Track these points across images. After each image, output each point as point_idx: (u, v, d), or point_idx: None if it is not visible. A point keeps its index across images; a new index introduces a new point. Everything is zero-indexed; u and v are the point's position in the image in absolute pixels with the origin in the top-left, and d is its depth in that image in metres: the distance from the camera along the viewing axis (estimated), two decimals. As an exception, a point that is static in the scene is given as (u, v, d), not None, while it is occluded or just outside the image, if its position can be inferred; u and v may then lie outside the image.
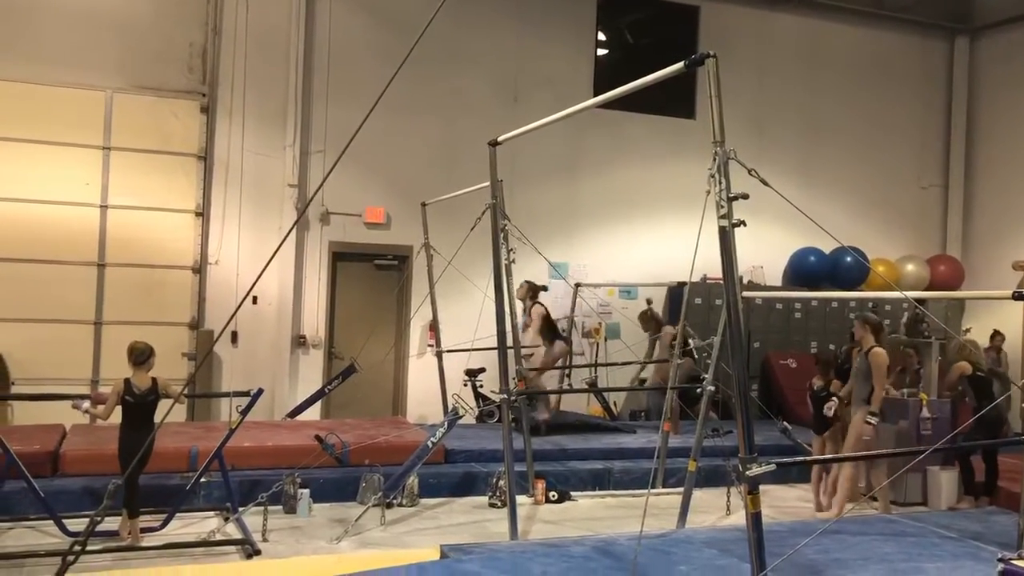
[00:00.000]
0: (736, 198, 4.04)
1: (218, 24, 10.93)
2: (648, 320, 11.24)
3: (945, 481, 8.39)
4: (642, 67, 5.40)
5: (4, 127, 10.14)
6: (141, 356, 6.36)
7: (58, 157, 10.33)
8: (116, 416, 6.41)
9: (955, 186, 14.73)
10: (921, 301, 8.51)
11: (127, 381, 6.31)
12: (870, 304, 11.54)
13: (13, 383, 9.88)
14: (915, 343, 9.21)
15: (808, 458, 7.99)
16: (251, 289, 5.31)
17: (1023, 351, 12.70)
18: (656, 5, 13.16)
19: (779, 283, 13.40)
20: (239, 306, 5.42)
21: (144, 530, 6.54)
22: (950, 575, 4.94)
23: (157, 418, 6.28)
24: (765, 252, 12.69)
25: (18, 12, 10.22)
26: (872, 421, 7.54)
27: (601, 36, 13.01)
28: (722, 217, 4.05)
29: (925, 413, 8.48)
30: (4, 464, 6.41)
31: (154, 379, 6.39)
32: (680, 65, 4.53)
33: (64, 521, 6.41)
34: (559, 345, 10.20)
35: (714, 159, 4.10)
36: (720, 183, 4.06)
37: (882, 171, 14.32)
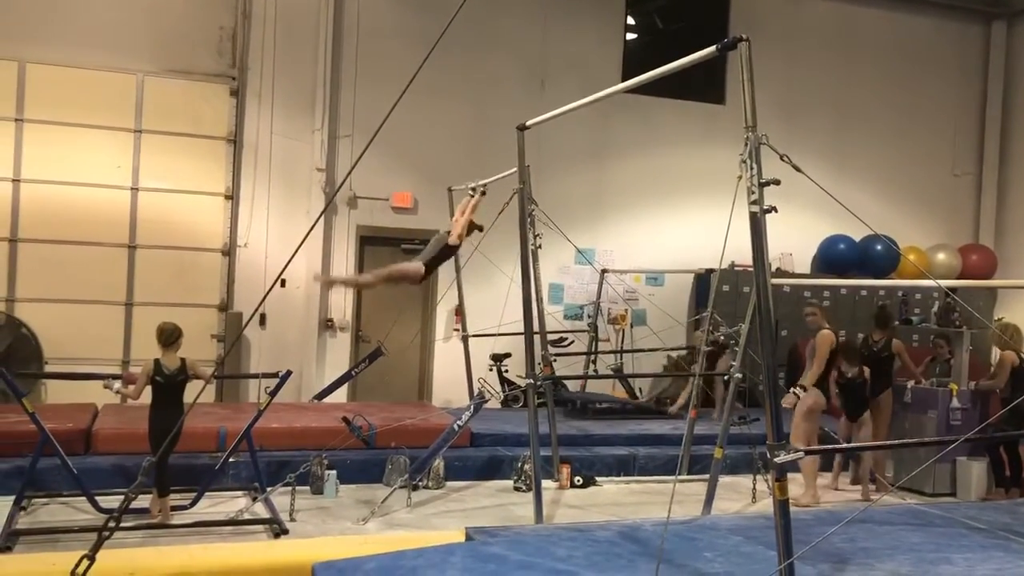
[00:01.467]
0: (768, 184, 3.99)
1: (248, 8, 10.98)
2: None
3: (975, 472, 8.30)
4: (671, 52, 5.36)
5: (37, 110, 10.27)
6: (170, 337, 6.45)
7: (90, 140, 10.45)
8: (146, 396, 6.50)
9: (989, 174, 14.50)
10: (953, 290, 8.40)
11: (156, 362, 6.40)
12: (900, 292, 11.41)
13: (46, 362, 10.05)
14: (946, 333, 9.10)
15: (836, 446, 7.94)
16: (281, 273, 5.33)
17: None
18: (686, -11, 13.04)
19: (808, 271, 13.28)
20: (269, 290, 5.45)
21: (174, 508, 6.64)
22: (979, 566, 4.89)
23: (188, 399, 6.34)
24: (794, 239, 12.57)
25: (51, -4, 10.32)
26: (798, 392, 7.69)
27: (630, 20, 12.91)
28: (753, 203, 4.00)
29: (955, 403, 8.39)
30: (39, 441, 6.51)
31: (183, 359, 6.46)
32: (712, 49, 4.48)
33: (96, 498, 6.53)
34: None
35: (746, 144, 4.05)
36: (751, 168, 4.02)
37: (914, 158, 14.13)
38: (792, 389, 7.63)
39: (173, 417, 6.15)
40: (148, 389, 6.45)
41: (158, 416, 6.38)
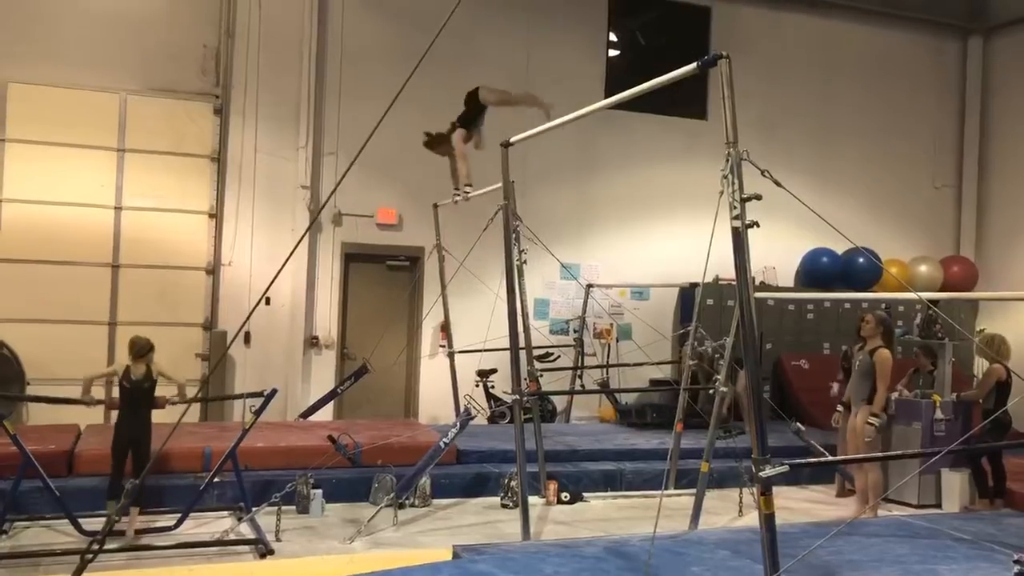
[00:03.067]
0: (749, 199, 4.03)
1: (231, 26, 10.99)
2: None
3: (959, 483, 8.35)
4: (654, 68, 5.40)
5: (19, 129, 10.23)
6: (141, 350, 6.69)
7: (73, 159, 10.41)
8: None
9: (968, 186, 14.65)
10: (935, 302, 8.46)
11: (127, 368, 6.65)
12: (883, 305, 11.49)
13: (28, 383, 9.96)
14: (929, 344, 9.16)
15: (821, 459, 7.93)
16: (266, 291, 5.35)
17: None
18: (667, 6, 13.15)
19: (791, 284, 13.36)
20: (254, 308, 5.45)
21: (158, 529, 6.59)
22: (964, 577, 4.92)
23: (168, 416, 6.36)
24: (777, 253, 12.66)
25: (33, 15, 10.30)
26: (874, 423, 7.52)
27: (612, 37, 13.00)
28: (735, 218, 4.04)
29: (939, 415, 8.44)
30: (20, 464, 6.45)
31: (148, 367, 6.69)
32: (693, 66, 4.52)
33: (79, 520, 6.47)
34: None
35: (727, 160, 4.09)
36: (733, 184, 4.05)
37: (895, 171, 14.27)
38: (869, 421, 7.54)
39: (137, 425, 6.56)
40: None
41: (122, 423, 6.68)
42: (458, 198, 8.40)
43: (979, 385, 8.57)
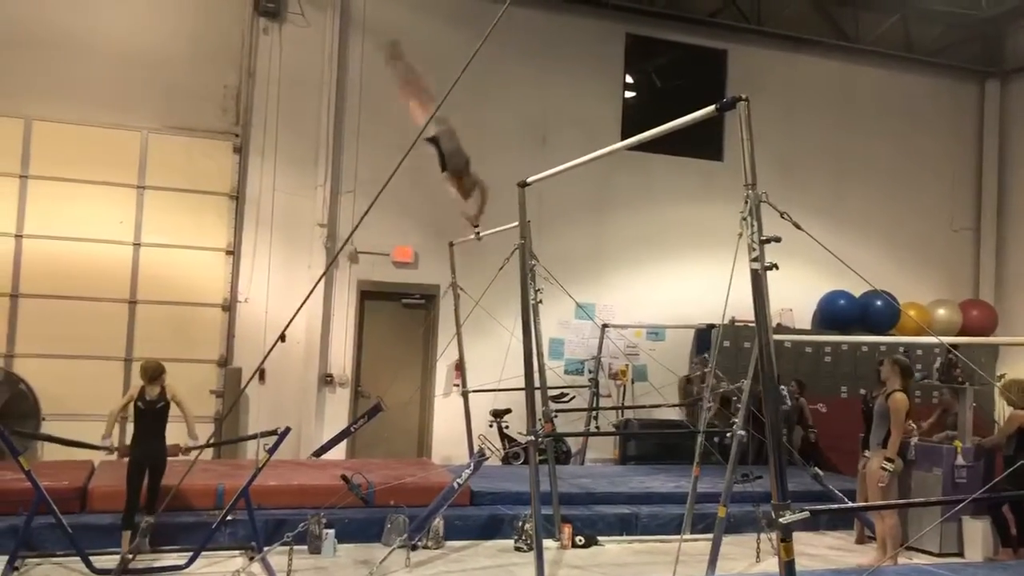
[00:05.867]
0: (768, 241, 4.01)
1: (252, 66, 11.14)
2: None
3: (980, 531, 8.18)
4: (670, 109, 5.42)
5: (41, 166, 10.36)
6: (153, 373, 6.90)
7: (93, 196, 10.52)
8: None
9: (987, 229, 14.57)
10: (955, 346, 8.37)
11: (142, 388, 6.84)
12: (901, 349, 11.38)
13: (44, 418, 9.97)
14: (951, 389, 9.05)
15: (841, 505, 7.82)
16: (284, 330, 5.34)
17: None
18: (684, 48, 13.24)
19: (808, 326, 13.26)
20: (272, 347, 5.44)
21: (170, 568, 6.56)
22: (990, 629, 4.80)
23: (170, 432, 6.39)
24: (794, 295, 12.57)
25: (56, 54, 10.47)
26: (888, 468, 7.40)
27: (629, 79, 13.09)
28: (754, 260, 4.01)
29: (960, 461, 8.31)
30: (34, 500, 6.44)
31: (162, 387, 6.88)
32: (711, 108, 4.53)
33: (91, 558, 6.42)
34: None
35: (746, 202, 4.08)
36: (752, 226, 4.03)
37: (913, 214, 14.21)
38: (883, 466, 7.46)
39: (153, 446, 6.75)
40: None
41: (138, 445, 6.82)
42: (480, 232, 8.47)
43: (1000, 431, 8.44)
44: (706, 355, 11.82)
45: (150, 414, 6.80)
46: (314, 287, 6.66)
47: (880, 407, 7.71)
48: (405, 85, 8.23)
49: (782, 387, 11.14)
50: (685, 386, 11.70)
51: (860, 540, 8.71)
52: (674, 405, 11.39)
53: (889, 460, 7.45)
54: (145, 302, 10.65)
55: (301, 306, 5.33)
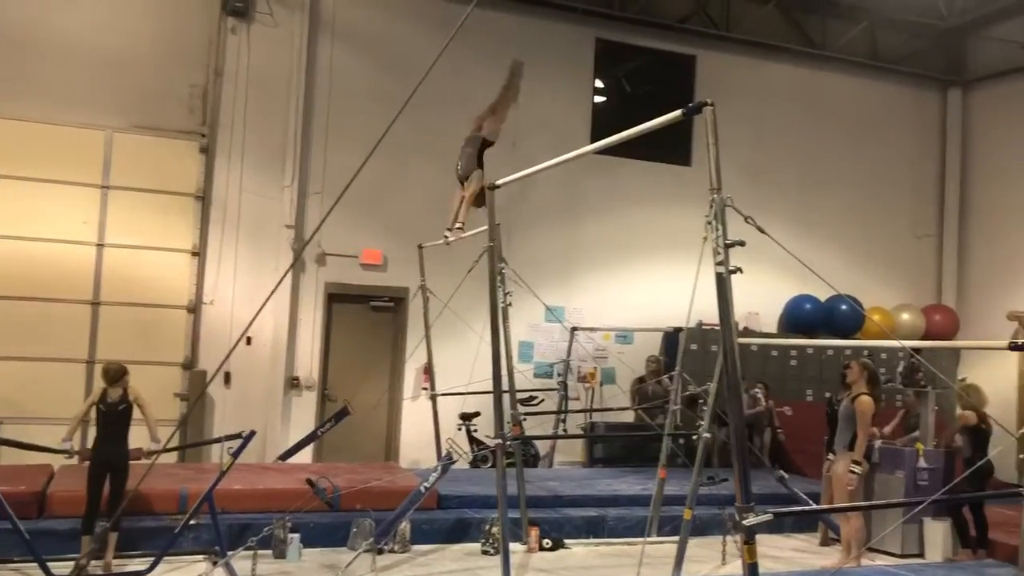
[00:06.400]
0: (733, 245, 4.04)
1: (219, 66, 11.04)
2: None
3: (941, 532, 8.30)
4: (639, 114, 5.45)
5: (3, 165, 10.18)
6: (115, 376, 6.80)
7: (57, 195, 10.35)
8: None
9: (949, 236, 14.80)
10: (917, 350, 8.49)
11: (103, 390, 6.75)
12: (865, 352, 11.52)
13: (2, 422, 9.78)
14: (914, 392, 9.18)
15: (805, 508, 7.89)
16: (246, 330, 5.29)
17: (1018, 401, 12.71)
18: (653, 53, 13.31)
19: (774, 330, 13.39)
20: (234, 347, 5.40)
21: (131, 574, 6.47)
22: (949, 629, 4.87)
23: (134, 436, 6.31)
24: (761, 299, 12.70)
25: (20, 51, 10.31)
26: (856, 470, 7.49)
27: (599, 83, 13.14)
28: (719, 263, 4.05)
29: (922, 463, 8.42)
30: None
31: (124, 389, 6.78)
32: (678, 113, 4.56)
33: (48, 564, 6.31)
34: None
35: (711, 206, 4.11)
36: (717, 230, 4.06)
37: (877, 220, 14.40)
38: (851, 469, 7.54)
39: (114, 449, 6.64)
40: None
41: (99, 447, 6.73)
42: (449, 237, 8.26)
43: (949, 430, 8.60)
44: (659, 355, 11.94)
45: (112, 417, 6.71)
46: (277, 285, 6.56)
47: (846, 410, 7.80)
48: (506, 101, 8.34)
49: (756, 390, 11.27)
50: (639, 386, 11.74)
51: (824, 542, 8.79)
52: (640, 407, 11.42)
53: (856, 463, 7.54)
54: (109, 304, 10.50)
55: (263, 305, 5.27)
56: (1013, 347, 5.39)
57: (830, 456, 8.07)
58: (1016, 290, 13.50)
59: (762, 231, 4.20)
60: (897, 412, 9.94)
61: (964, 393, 8.39)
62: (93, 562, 6.38)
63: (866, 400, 7.66)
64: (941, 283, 14.80)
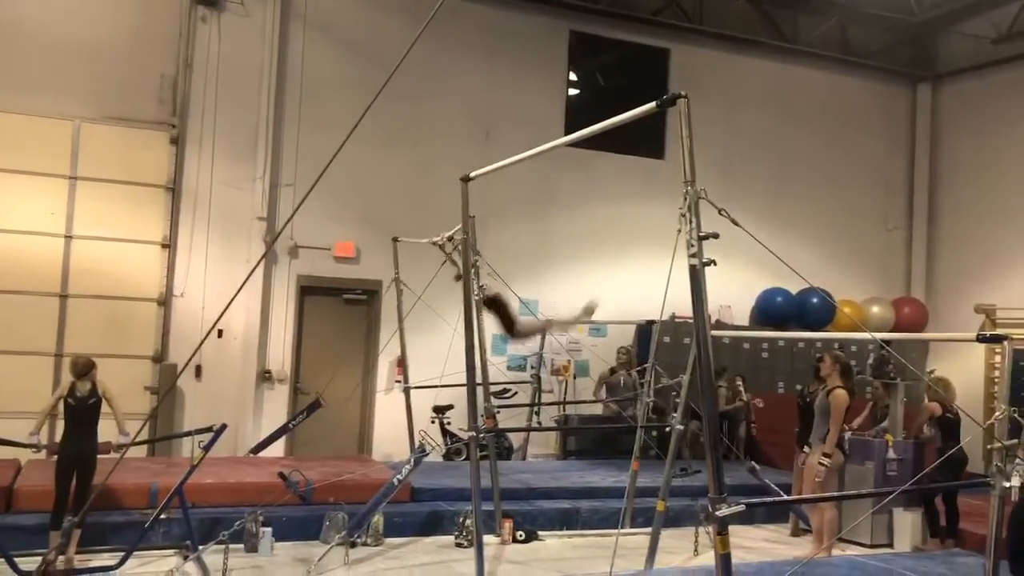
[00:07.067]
0: (707, 237, 4.04)
1: (190, 56, 10.90)
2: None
3: (910, 522, 8.40)
4: (613, 107, 5.43)
5: (-32, 155, 10.01)
6: (83, 369, 6.73)
7: (23, 186, 10.19)
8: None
9: (919, 229, 14.98)
10: (887, 342, 8.58)
11: (72, 384, 6.67)
12: (836, 345, 11.64)
13: (-33, 416, 9.62)
14: (883, 384, 9.28)
15: (777, 499, 7.96)
16: (216, 323, 5.24)
17: (984, 392, 12.90)
18: (627, 47, 13.33)
19: (746, 323, 13.47)
20: (203, 340, 5.34)
21: (100, 569, 6.39)
22: (918, 618, 4.93)
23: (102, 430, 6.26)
24: (733, 292, 12.75)
25: (-14, 40, 10.13)
26: (825, 463, 7.56)
27: (572, 76, 13.14)
28: (692, 256, 4.05)
29: (891, 454, 8.52)
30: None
31: (93, 383, 6.71)
32: (652, 105, 4.55)
33: (15, 560, 6.22)
34: None
35: (685, 198, 4.11)
36: (691, 222, 4.06)
37: (848, 213, 14.54)
38: (820, 461, 7.60)
39: (83, 444, 6.55)
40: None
41: (68, 441, 6.64)
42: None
43: (916, 422, 8.71)
44: (628, 346, 11.98)
45: (81, 411, 6.64)
46: (247, 277, 6.50)
47: (821, 403, 7.86)
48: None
49: (738, 383, 11.34)
50: (609, 377, 11.75)
51: (795, 533, 8.88)
52: (614, 400, 11.44)
53: (827, 455, 7.60)
54: (77, 296, 10.36)
55: (234, 297, 5.22)
56: (981, 339, 5.45)
57: (805, 449, 8.12)
58: (983, 283, 13.70)
59: (735, 223, 4.20)
60: (866, 404, 10.05)
61: (933, 386, 8.48)
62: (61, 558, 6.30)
63: (841, 394, 7.73)
64: (910, 276, 14.98)
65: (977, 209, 14.15)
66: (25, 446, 6.78)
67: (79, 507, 6.40)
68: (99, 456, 6.69)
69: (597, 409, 12.07)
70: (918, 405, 12.40)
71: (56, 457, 6.67)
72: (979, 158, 14.18)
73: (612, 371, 11.79)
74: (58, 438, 7.13)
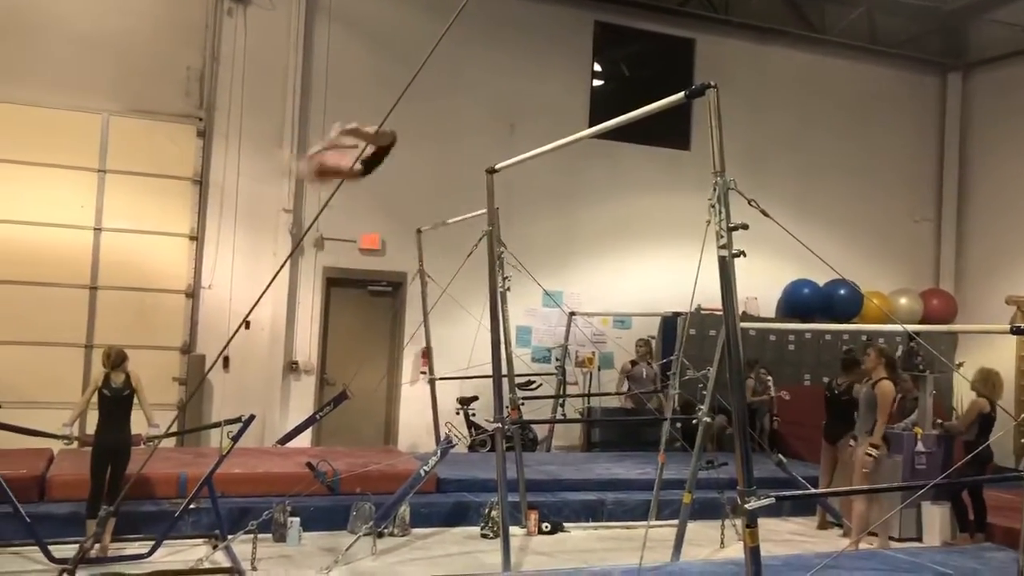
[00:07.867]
0: (737, 228, 4.03)
1: (216, 49, 10.97)
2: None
3: (939, 516, 8.33)
4: (638, 98, 5.41)
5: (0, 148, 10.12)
6: (117, 359, 6.77)
7: (53, 179, 10.30)
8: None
9: (948, 220, 14.79)
10: (916, 334, 8.50)
11: (106, 375, 6.69)
12: (864, 337, 11.54)
13: (0, 406, 9.76)
14: (912, 377, 9.20)
15: (806, 492, 7.92)
16: (247, 316, 5.27)
17: (1016, 384, 12.73)
18: (652, 37, 13.25)
19: (773, 315, 13.38)
20: (235, 333, 5.39)
21: (132, 557, 6.47)
22: (948, 612, 4.88)
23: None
24: (759, 283, 12.66)
25: (16, 34, 10.23)
26: (873, 453, 7.53)
27: (597, 67, 13.08)
28: (722, 247, 4.03)
29: (920, 447, 8.44)
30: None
31: (127, 374, 6.74)
32: (681, 95, 4.54)
33: (50, 547, 6.32)
34: None
35: (714, 189, 4.09)
36: (720, 213, 4.05)
37: (875, 204, 14.38)
38: (867, 452, 7.59)
39: (118, 435, 6.60)
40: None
41: (103, 432, 6.67)
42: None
43: (962, 418, 8.58)
44: (647, 338, 11.95)
45: (116, 402, 6.68)
46: (278, 272, 6.56)
47: (867, 396, 7.86)
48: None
49: (767, 376, 11.30)
50: (631, 370, 11.72)
51: (822, 526, 8.83)
52: (640, 392, 11.42)
53: (874, 446, 7.59)
54: (106, 288, 10.47)
55: (264, 291, 5.27)
56: (1016, 331, 5.39)
57: (851, 443, 8.08)
58: (1014, 274, 13.50)
59: (765, 214, 4.19)
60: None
61: (983, 378, 8.34)
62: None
63: (887, 385, 7.76)
64: (939, 267, 14.80)
65: (1007, 199, 13.94)
66: (57, 437, 6.87)
67: (113, 497, 6.48)
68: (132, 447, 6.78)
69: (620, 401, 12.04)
70: (947, 398, 12.33)
71: (91, 448, 6.71)
72: (1010, 148, 13.96)
73: (633, 363, 11.77)
74: (90, 429, 7.20)
